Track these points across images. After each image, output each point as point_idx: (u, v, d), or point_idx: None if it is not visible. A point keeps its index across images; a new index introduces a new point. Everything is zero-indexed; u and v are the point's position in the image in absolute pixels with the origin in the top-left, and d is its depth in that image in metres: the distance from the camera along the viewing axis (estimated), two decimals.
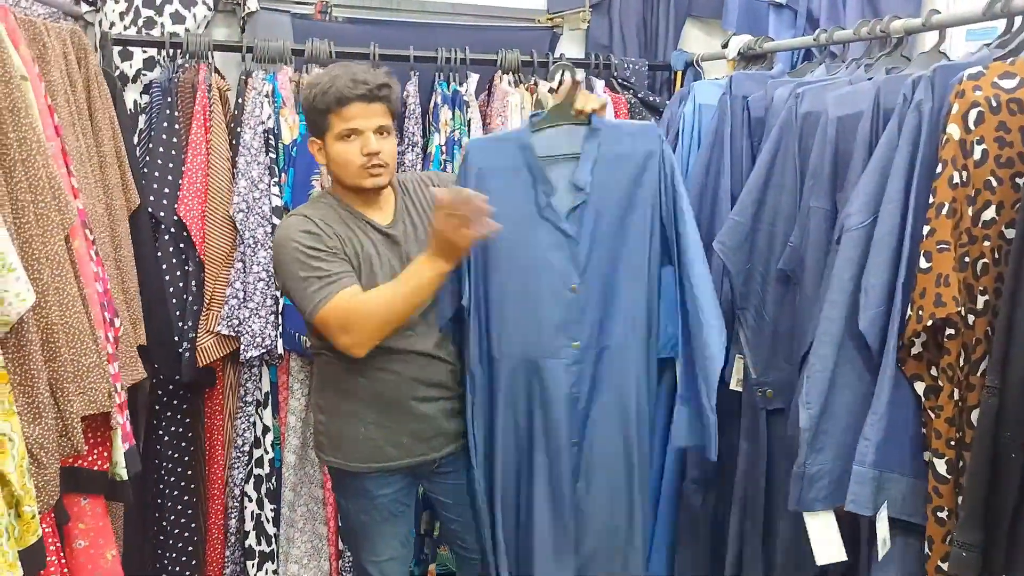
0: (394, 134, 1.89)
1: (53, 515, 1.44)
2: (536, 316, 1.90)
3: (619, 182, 1.91)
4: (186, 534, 2.54)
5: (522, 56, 2.71)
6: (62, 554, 1.49)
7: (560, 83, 1.98)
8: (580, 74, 1.92)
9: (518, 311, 1.91)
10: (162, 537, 2.53)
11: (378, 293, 1.77)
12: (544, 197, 1.89)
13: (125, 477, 1.58)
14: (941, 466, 1.52)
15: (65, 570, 1.49)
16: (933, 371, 1.55)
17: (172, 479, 2.51)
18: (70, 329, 1.42)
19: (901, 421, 1.61)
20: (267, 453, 2.56)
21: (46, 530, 1.37)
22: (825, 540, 1.69)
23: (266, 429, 2.56)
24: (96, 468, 1.55)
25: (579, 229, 1.90)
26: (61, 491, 1.43)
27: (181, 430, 2.53)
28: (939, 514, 1.53)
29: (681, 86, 2.82)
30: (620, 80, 2.84)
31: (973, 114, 1.46)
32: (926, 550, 1.55)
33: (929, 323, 1.50)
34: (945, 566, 1.50)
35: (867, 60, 1.95)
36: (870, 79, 1.82)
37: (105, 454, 1.56)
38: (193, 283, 2.42)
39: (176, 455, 2.51)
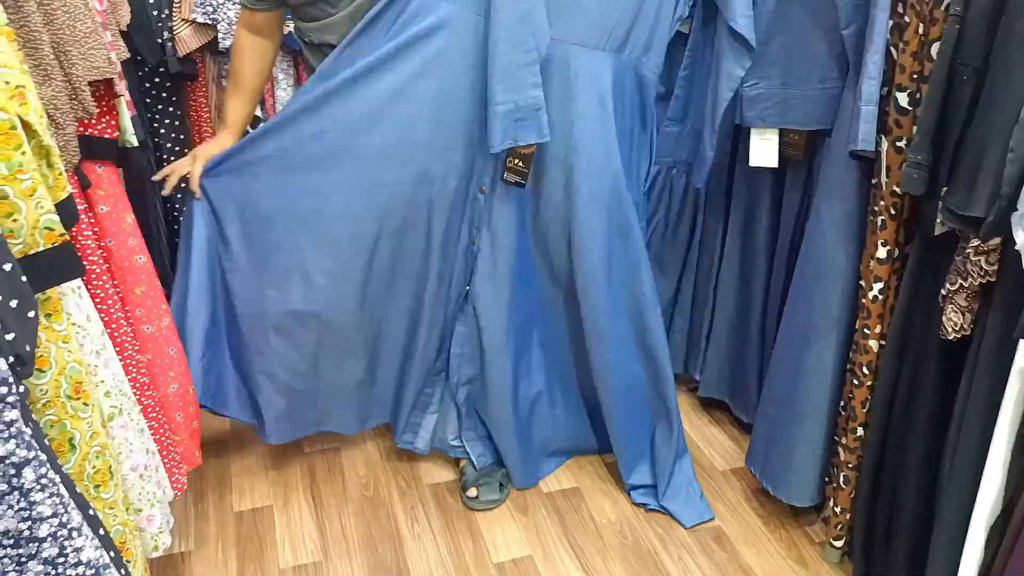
0: None
1: (77, 178, 1.54)
2: None
3: None
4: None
5: None
6: (90, 215, 1.61)
7: None
8: None
9: None
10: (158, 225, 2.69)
11: (236, 63, 2.00)
12: None
13: (135, 143, 1.67)
14: (903, 99, 1.63)
15: (95, 228, 1.62)
16: (900, 7, 1.60)
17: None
18: None
19: None
20: None
21: (73, 191, 1.47)
22: (762, 150, 1.85)
23: (256, 120, 2.61)
24: (107, 136, 1.62)
25: None
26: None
27: (176, 123, 2.59)
28: (898, 144, 1.66)
29: None
30: None
31: None
32: (884, 177, 1.70)
33: None
34: (897, 188, 1.65)
35: None
36: None
37: (113, 122, 1.63)
38: None
39: (170, 145, 2.59)
